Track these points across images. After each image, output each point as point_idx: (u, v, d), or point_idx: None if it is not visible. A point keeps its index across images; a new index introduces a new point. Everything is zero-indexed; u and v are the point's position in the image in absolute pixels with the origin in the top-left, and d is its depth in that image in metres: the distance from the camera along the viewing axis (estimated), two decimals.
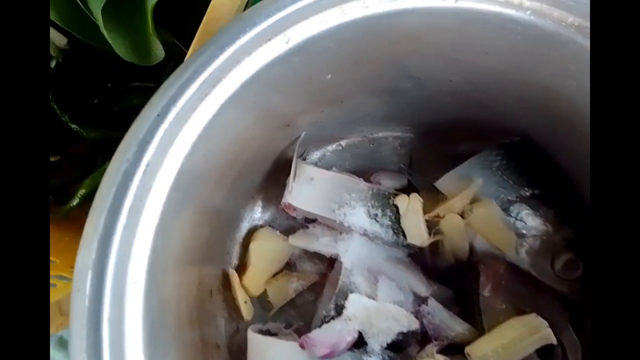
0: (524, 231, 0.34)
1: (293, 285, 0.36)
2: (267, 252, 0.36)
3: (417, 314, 0.33)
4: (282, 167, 0.37)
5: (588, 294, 0.33)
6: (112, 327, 0.20)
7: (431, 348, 0.32)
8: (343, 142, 0.41)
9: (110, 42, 0.31)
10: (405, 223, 0.34)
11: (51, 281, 0.36)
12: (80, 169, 0.39)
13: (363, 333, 0.32)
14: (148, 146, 0.22)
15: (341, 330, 0.31)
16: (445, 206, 0.34)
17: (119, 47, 0.32)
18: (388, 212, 0.34)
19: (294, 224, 0.38)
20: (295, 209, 0.35)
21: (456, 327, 0.32)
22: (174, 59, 0.36)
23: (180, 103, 0.22)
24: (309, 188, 0.35)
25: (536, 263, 0.34)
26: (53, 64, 0.37)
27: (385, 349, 0.32)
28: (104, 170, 0.21)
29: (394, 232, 0.34)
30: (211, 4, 0.30)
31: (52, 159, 0.38)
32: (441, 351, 0.32)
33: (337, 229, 0.35)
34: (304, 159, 0.39)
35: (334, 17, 0.25)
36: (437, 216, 0.34)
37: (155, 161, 0.22)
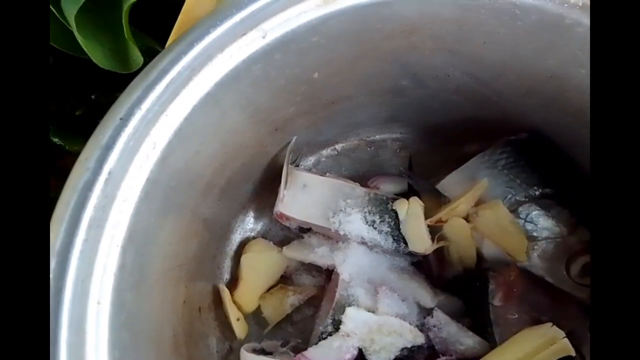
0: (535, 234, 0.32)
1: (289, 300, 0.34)
2: (260, 265, 0.34)
3: (423, 327, 0.31)
4: (275, 174, 0.35)
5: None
6: (72, 354, 0.18)
7: None
8: (339, 146, 0.39)
9: (85, 50, 0.30)
10: (405, 229, 0.32)
11: None
12: None
13: (363, 350, 0.30)
14: (110, 153, 0.20)
15: (340, 347, 0.29)
16: (449, 209, 0.32)
17: (96, 55, 0.30)
18: (386, 217, 0.32)
19: (288, 234, 0.36)
20: (288, 218, 0.33)
21: (466, 340, 0.30)
22: None
23: (146, 105, 0.21)
24: (302, 195, 0.33)
25: (550, 268, 0.32)
26: None
27: None
28: None
29: (394, 239, 0.32)
30: (186, 2, 0.29)
31: None
32: None
33: (333, 237, 0.33)
34: (298, 165, 0.37)
35: (315, 9, 0.24)
36: (440, 220, 0.32)
37: (118, 169, 0.20)
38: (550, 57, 0.27)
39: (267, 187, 0.36)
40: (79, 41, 0.30)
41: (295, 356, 0.30)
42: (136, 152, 0.21)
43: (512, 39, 0.27)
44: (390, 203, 0.33)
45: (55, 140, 0.35)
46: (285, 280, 0.35)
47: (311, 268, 0.35)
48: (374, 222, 0.32)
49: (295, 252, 0.34)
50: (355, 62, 0.30)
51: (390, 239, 0.32)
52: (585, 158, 0.32)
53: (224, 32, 0.22)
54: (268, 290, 0.34)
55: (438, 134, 0.38)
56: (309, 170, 0.37)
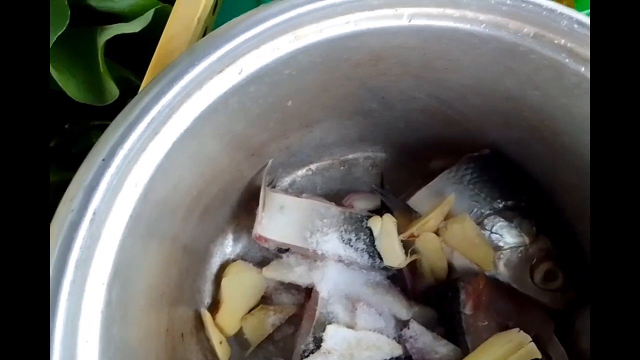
0: (500, 244, 0.34)
1: (270, 320, 0.34)
2: (240, 287, 0.35)
3: (400, 339, 0.32)
4: (252, 196, 0.36)
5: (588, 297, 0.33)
6: None
7: None
8: (313, 166, 0.40)
9: (59, 83, 0.30)
10: (380, 245, 0.33)
11: None
12: None
13: None
14: (94, 193, 0.20)
15: None
16: (420, 224, 0.33)
17: (70, 88, 0.30)
18: (362, 235, 0.33)
19: (267, 254, 0.37)
20: (267, 240, 0.34)
21: (440, 348, 0.32)
22: (132, 95, 0.35)
23: (128, 144, 0.21)
24: (280, 217, 0.34)
25: (515, 275, 0.34)
26: None
27: None
28: None
29: (370, 255, 0.33)
30: (163, 35, 0.29)
31: None
32: None
33: (311, 257, 0.34)
34: (274, 186, 0.38)
35: (287, 44, 0.25)
36: (412, 235, 0.33)
37: (103, 209, 0.21)
38: (507, 80, 0.29)
39: (244, 208, 0.37)
40: (53, 75, 0.30)
41: None
42: (119, 190, 0.21)
43: (472, 64, 0.28)
44: (365, 221, 0.34)
45: None
46: (265, 300, 0.36)
47: (290, 287, 0.35)
48: (350, 240, 0.33)
49: (274, 273, 0.34)
50: (325, 89, 0.31)
51: (366, 255, 0.33)
52: (540, 172, 0.35)
53: (202, 70, 0.23)
54: (249, 311, 0.35)
55: (406, 151, 0.40)
56: (286, 190, 0.38)
